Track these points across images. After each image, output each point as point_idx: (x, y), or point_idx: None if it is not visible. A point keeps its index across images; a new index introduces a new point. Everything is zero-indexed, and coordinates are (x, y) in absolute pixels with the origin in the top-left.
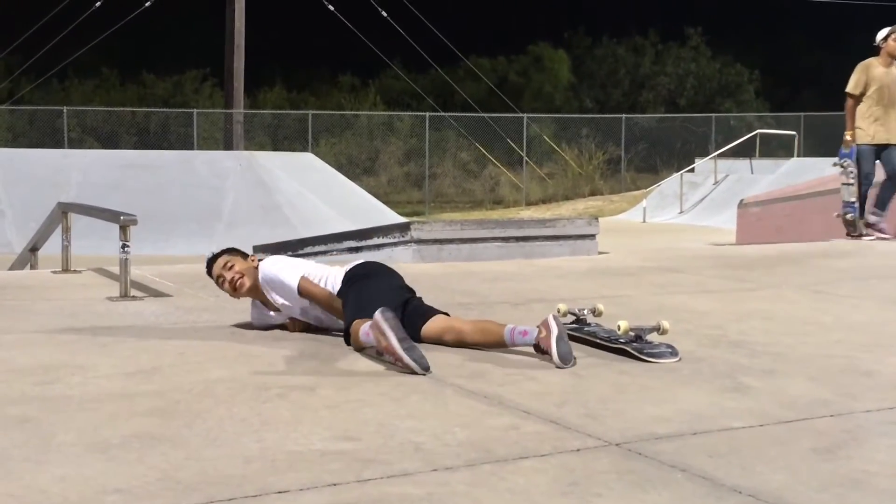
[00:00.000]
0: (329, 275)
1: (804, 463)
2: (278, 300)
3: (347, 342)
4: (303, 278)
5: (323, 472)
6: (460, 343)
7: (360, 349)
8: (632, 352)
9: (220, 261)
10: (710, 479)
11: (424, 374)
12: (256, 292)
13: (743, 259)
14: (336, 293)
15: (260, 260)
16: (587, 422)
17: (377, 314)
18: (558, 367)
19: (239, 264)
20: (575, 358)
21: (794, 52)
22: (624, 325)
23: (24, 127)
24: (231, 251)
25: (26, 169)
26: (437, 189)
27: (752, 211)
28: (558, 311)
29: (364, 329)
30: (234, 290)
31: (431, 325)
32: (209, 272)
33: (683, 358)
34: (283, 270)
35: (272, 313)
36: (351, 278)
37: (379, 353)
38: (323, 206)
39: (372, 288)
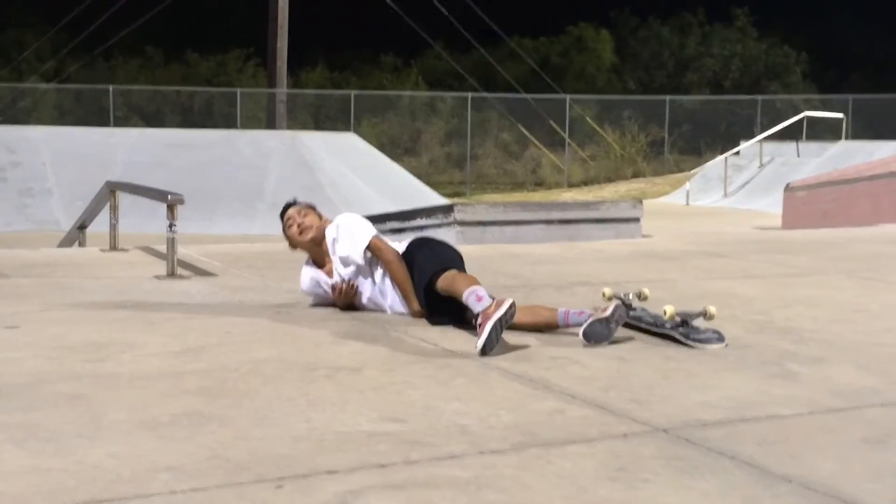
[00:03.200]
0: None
1: (855, 452)
2: (339, 254)
3: (426, 292)
4: (375, 235)
5: (370, 452)
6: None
7: (445, 291)
8: (678, 337)
9: (297, 207)
10: (758, 466)
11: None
12: (317, 248)
13: (789, 244)
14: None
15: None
16: (633, 407)
17: (506, 304)
18: (584, 344)
19: (312, 216)
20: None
21: (843, 35)
22: (670, 309)
23: (71, 105)
24: (310, 205)
25: (73, 147)
26: (479, 170)
27: (799, 195)
28: (603, 295)
29: (478, 291)
30: (300, 233)
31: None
32: (282, 215)
33: (730, 344)
34: (361, 222)
35: (323, 279)
36: (421, 243)
37: (470, 318)
38: (365, 186)
39: (447, 251)
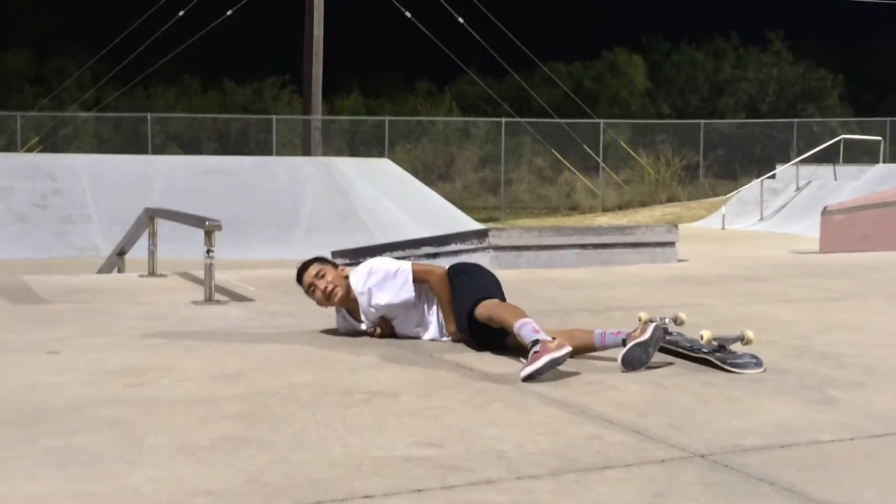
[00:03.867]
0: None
1: None
2: (384, 301)
3: (469, 321)
4: (413, 262)
5: (407, 477)
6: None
7: (487, 319)
8: (715, 362)
9: (312, 269)
10: (799, 493)
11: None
12: (347, 301)
13: (827, 268)
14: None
15: (347, 266)
16: (671, 432)
17: (565, 349)
18: (622, 370)
19: (330, 274)
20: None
21: (880, 57)
22: (707, 334)
23: (110, 133)
24: (321, 260)
25: (112, 174)
26: (513, 195)
27: (836, 218)
28: (639, 320)
29: (533, 323)
30: (327, 299)
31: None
32: (299, 280)
33: (768, 369)
34: (389, 263)
35: (357, 323)
36: (459, 270)
37: (518, 347)
38: (399, 211)
39: (486, 278)
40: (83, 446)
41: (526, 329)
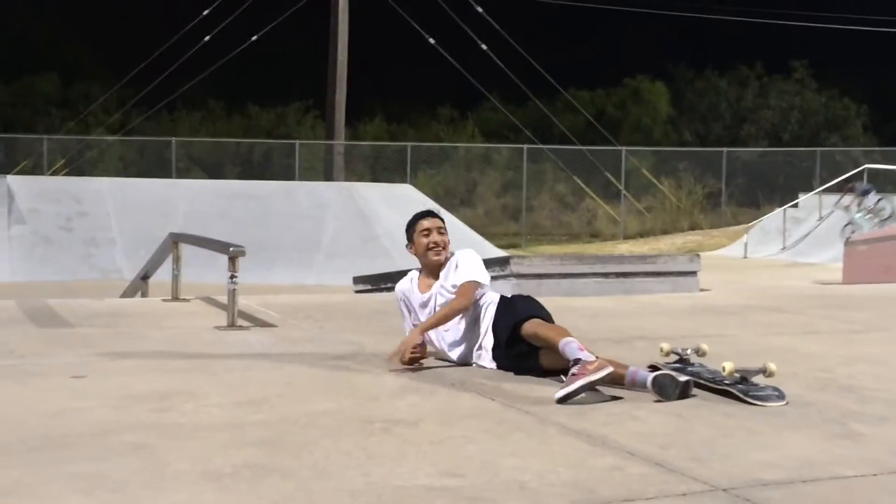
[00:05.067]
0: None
1: None
2: (452, 281)
3: (512, 335)
4: (475, 281)
5: None
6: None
7: (532, 335)
8: (737, 394)
9: (437, 220)
10: None
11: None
12: (437, 267)
13: (851, 299)
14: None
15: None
16: (693, 465)
17: (604, 371)
18: (656, 399)
19: (447, 236)
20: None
21: None
22: (729, 366)
23: (135, 157)
24: (442, 220)
25: (136, 198)
26: (534, 221)
27: (860, 249)
28: (661, 351)
29: (574, 343)
30: (435, 253)
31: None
32: (415, 221)
33: (791, 402)
34: (481, 266)
35: (416, 296)
36: (512, 300)
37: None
38: None
39: (537, 305)
40: (109, 472)
41: (571, 346)
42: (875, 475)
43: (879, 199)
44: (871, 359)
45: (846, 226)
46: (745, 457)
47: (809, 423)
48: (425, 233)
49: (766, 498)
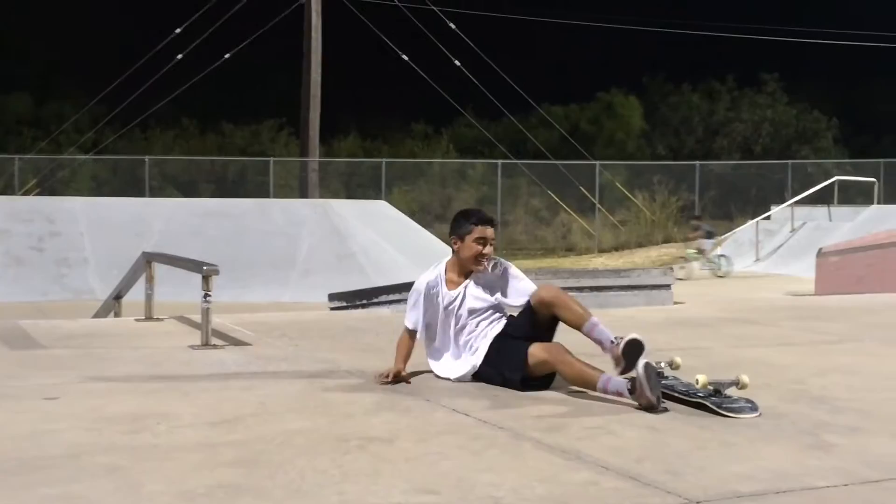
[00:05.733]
0: None
1: None
2: (510, 288)
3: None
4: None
5: None
6: (555, 370)
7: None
8: (711, 406)
9: (492, 231)
10: None
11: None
12: (468, 270)
13: (823, 310)
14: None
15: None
16: (667, 478)
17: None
18: (644, 406)
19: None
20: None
21: (874, 99)
22: (702, 379)
23: (108, 176)
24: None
25: (109, 217)
26: (509, 236)
27: (832, 260)
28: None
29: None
30: (479, 263)
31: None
32: (474, 225)
33: (764, 413)
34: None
35: (445, 292)
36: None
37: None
38: (396, 253)
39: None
40: (82, 494)
41: (598, 329)
42: (847, 485)
43: (720, 255)
44: (843, 369)
45: (684, 258)
46: (719, 469)
47: (783, 434)
48: (481, 241)
49: None
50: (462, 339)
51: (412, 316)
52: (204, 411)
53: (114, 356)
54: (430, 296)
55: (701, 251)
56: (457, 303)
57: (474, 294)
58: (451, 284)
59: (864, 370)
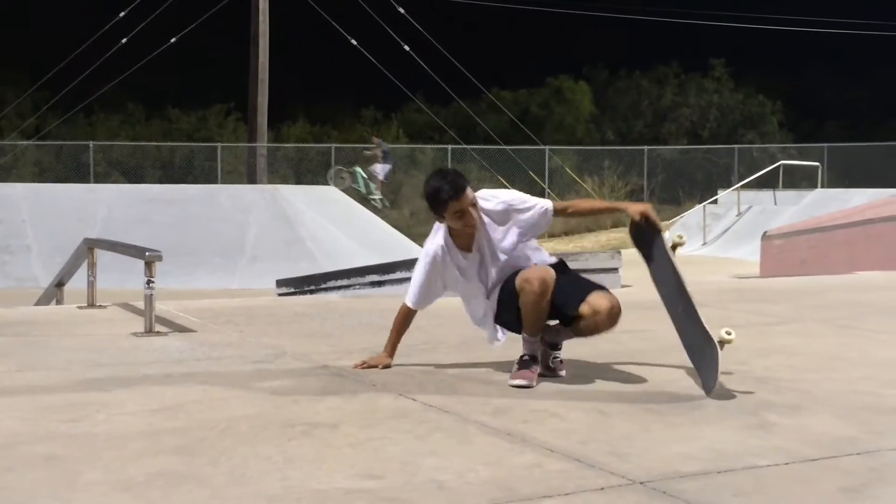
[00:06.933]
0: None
1: (831, 502)
2: (496, 233)
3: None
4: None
5: None
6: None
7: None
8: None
9: (466, 198)
10: None
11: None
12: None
13: (767, 292)
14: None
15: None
16: (611, 460)
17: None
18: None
19: (473, 205)
20: None
21: (818, 84)
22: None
23: (51, 162)
24: (465, 185)
25: (52, 204)
26: None
27: (776, 243)
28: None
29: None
30: (474, 227)
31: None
32: (444, 203)
33: (709, 394)
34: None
35: (459, 255)
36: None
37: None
38: (346, 239)
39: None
40: (16, 484)
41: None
42: (787, 464)
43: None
44: (786, 350)
45: (348, 171)
46: (663, 450)
47: (726, 415)
48: (458, 214)
49: (682, 490)
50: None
51: (419, 293)
52: (145, 399)
53: (53, 344)
54: (448, 256)
55: (370, 174)
56: (486, 256)
57: (502, 243)
58: (463, 245)
59: (806, 351)
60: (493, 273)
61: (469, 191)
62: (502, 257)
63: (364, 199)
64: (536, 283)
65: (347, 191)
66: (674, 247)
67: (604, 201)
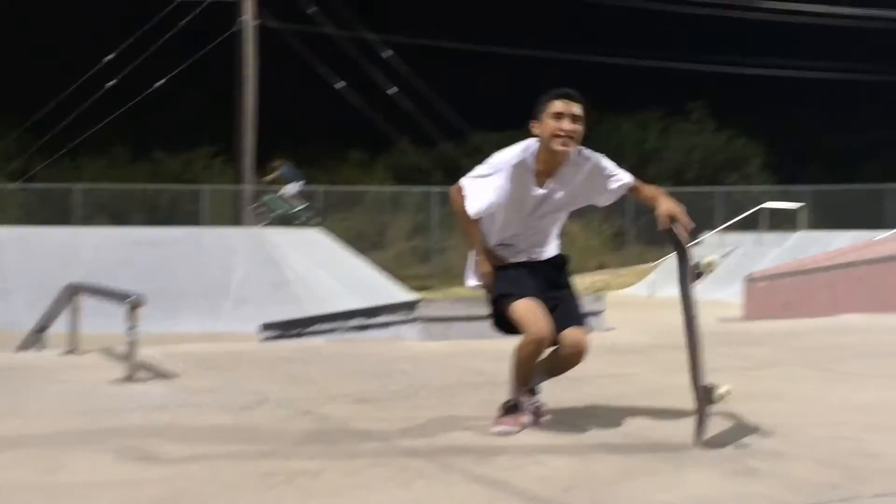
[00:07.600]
0: None
1: None
2: (608, 175)
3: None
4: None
5: None
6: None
7: None
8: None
9: (573, 105)
10: None
11: None
12: (554, 160)
13: (750, 336)
14: None
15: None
16: None
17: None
18: None
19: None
20: None
21: (800, 127)
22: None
23: (36, 205)
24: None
25: (37, 246)
26: (446, 263)
27: (760, 285)
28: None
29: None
30: (565, 143)
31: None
32: (549, 100)
33: (691, 440)
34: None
35: (533, 185)
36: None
37: None
38: (332, 281)
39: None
40: None
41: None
42: None
43: (304, 206)
44: (769, 395)
45: (262, 205)
46: (647, 497)
47: (709, 460)
48: (556, 116)
49: None
50: (530, 239)
51: (480, 200)
52: (125, 447)
53: (33, 392)
54: (520, 173)
55: (283, 197)
56: (545, 201)
57: (567, 197)
58: (537, 181)
59: (789, 395)
60: (532, 221)
61: (577, 108)
62: (549, 211)
63: (290, 220)
64: (583, 357)
65: (274, 220)
66: (699, 274)
67: (653, 188)
